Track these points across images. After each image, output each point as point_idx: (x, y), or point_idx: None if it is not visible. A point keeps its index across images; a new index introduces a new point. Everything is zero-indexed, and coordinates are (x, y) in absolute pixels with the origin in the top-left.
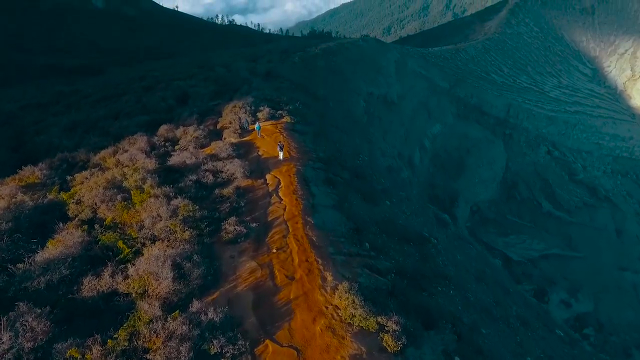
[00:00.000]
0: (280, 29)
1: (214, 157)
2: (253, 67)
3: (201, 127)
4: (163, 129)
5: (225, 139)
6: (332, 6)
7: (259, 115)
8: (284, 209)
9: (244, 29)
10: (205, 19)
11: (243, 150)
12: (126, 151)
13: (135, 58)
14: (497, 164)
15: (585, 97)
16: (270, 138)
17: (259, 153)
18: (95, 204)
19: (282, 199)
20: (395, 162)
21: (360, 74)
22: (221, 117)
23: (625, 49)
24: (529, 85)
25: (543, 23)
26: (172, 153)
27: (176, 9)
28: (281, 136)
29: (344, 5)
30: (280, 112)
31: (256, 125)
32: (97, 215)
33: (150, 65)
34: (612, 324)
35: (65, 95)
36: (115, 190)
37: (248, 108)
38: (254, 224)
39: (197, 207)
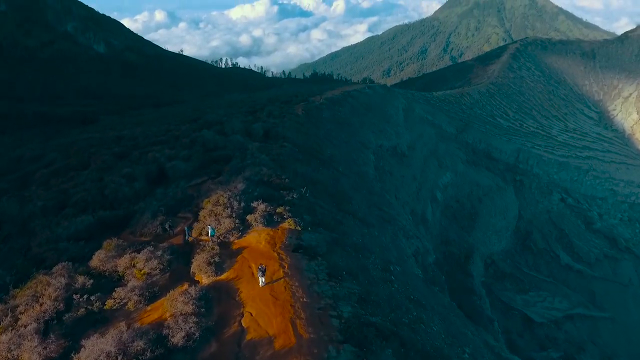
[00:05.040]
0: (283, 71)
1: (162, 339)
2: (250, 124)
3: (160, 248)
4: (98, 258)
5: (194, 274)
6: (334, 49)
7: (249, 218)
8: None
9: (246, 71)
10: (209, 61)
11: (217, 312)
12: (17, 321)
13: (130, 106)
14: (509, 212)
15: (594, 141)
16: (265, 278)
17: (243, 324)
18: None
19: None
20: (420, 243)
21: (369, 125)
22: (197, 220)
23: (629, 92)
24: (535, 130)
25: (544, 67)
26: (90, 333)
27: (181, 53)
28: (282, 271)
29: (344, 49)
30: (279, 209)
31: (209, 230)
32: None
33: (141, 115)
34: None
35: (25, 162)
36: None
37: (237, 204)
38: None
39: None
